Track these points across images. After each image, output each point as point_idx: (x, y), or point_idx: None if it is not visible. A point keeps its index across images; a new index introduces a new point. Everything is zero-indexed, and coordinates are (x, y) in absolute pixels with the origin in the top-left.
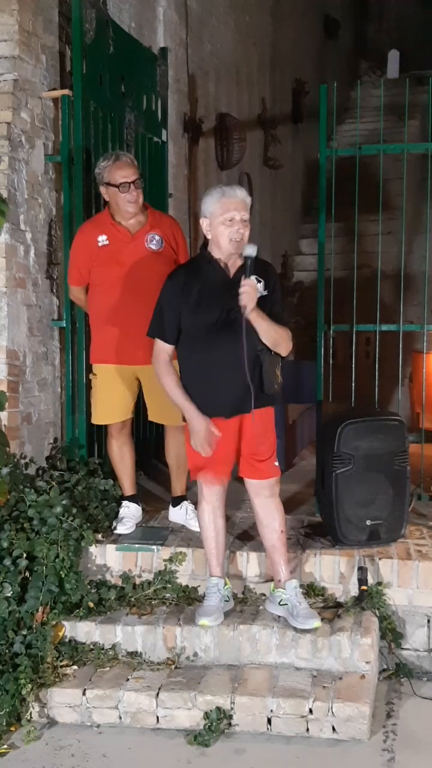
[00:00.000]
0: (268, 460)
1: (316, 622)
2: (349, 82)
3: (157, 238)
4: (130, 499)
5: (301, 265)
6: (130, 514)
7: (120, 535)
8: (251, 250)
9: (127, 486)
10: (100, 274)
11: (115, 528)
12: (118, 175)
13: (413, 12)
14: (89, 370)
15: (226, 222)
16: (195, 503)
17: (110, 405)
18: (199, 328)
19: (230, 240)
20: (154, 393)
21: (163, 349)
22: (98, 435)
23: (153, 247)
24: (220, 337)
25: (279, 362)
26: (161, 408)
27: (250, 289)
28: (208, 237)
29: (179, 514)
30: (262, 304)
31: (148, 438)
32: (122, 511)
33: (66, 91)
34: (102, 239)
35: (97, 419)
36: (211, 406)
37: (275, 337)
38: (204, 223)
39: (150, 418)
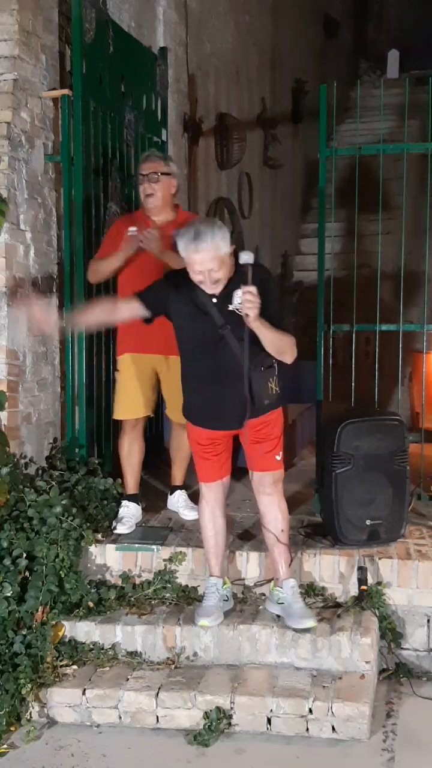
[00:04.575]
0: (270, 453)
1: (310, 622)
2: (349, 82)
3: None
4: (130, 498)
5: (301, 265)
6: (129, 513)
7: (120, 534)
8: (248, 257)
9: (131, 484)
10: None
11: (114, 528)
12: (141, 169)
13: (413, 12)
14: (88, 369)
15: (196, 272)
16: (192, 495)
17: (133, 398)
18: (191, 343)
19: (201, 284)
20: (172, 387)
21: (130, 303)
22: (98, 435)
23: None
24: (213, 353)
25: (273, 375)
26: (179, 405)
27: (252, 297)
28: None
29: (173, 503)
30: None
31: (147, 437)
32: (122, 511)
33: (66, 91)
34: (132, 230)
35: (119, 413)
36: (209, 420)
37: (279, 345)
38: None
39: (167, 413)
